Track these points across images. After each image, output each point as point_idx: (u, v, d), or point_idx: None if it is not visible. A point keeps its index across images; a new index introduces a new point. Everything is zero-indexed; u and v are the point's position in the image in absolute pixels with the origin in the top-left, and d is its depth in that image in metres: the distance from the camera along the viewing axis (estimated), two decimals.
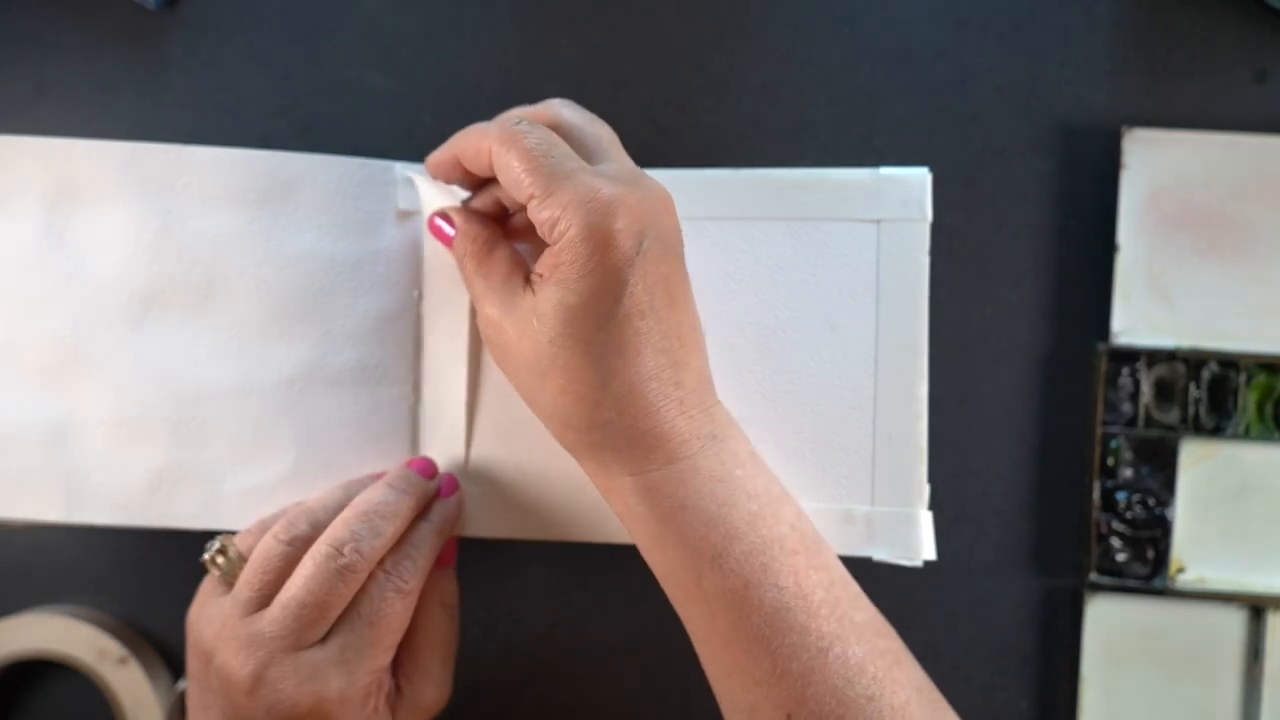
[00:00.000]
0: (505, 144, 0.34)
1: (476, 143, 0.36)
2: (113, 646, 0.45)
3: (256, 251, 0.40)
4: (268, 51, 0.47)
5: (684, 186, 0.40)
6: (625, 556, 0.47)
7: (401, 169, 0.41)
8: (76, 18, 0.47)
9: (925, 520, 0.39)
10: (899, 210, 0.39)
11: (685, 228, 0.40)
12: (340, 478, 0.40)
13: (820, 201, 0.40)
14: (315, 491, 0.40)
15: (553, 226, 0.33)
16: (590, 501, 0.40)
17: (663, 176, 0.40)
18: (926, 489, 0.40)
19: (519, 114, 0.37)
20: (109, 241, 0.40)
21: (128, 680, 0.45)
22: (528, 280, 0.35)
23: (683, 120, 0.46)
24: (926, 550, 0.39)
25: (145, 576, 0.47)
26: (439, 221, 0.39)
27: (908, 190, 0.39)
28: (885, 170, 0.40)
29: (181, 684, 0.46)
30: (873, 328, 0.39)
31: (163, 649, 0.47)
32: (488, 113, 0.46)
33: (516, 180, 0.34)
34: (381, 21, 0.47)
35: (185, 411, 0.40)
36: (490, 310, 0.36)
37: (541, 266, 0.34)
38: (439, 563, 0.40)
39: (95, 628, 0.46)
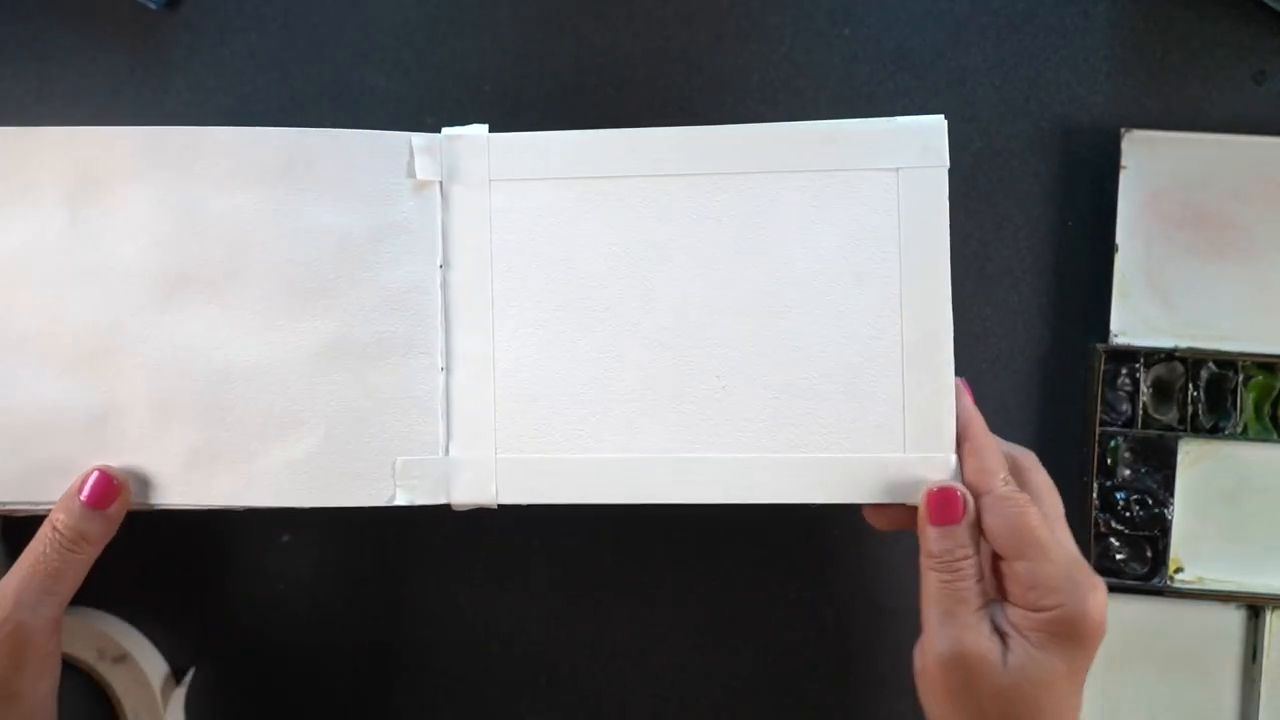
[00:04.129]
0: (1018, 505, 0.36)
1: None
2: (113, 645, 0.45)
3: (276, 228, 0.40)
4: (268, 52, 0.47)
5: (703, 143, 0.40)
6: (625, 556, 0.47)
7: (418, 139, 0.41)
8: (78, 19, 0.47)
9: (953, 464, 0.39)
10: (918, 158, 0.39)
11: (706, 184, 0.40)
12: (373, 451, 0.40)
13: (839, 152, 0.40)
14: (348, 467, 0.40)
15: (1049, 592, 0.35)
16: (619, 461, 0.40)
17: (678, 134, 0.40)
18: (954, 434, 0.39)
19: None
20: (132, 226, 0.40)
21: (128, 679, 0.45)
22: (994, 628, 0.36)
23: (682, 120, 0.46)
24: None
25: (145, 576, 0.47)
26: (951, 494, 0.38)
27: (925, 137, 0.39)
28: (902, 119, 0.40)
29: (184, 684, 0.46)
30: (897, 276, 0.39)
31: (163, 648, 0.47)
32: (487, 113, 0.47)
33: (1021, 534, 0.36)
34: (381, 21, 0.47)
35: (216, 391, 0.40)
36: (951, 638, 0.36)
37: (1024, 624, 0.35)
38: (88, 502, 0.39)
39: (95, 627, 0.46)
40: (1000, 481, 0.37)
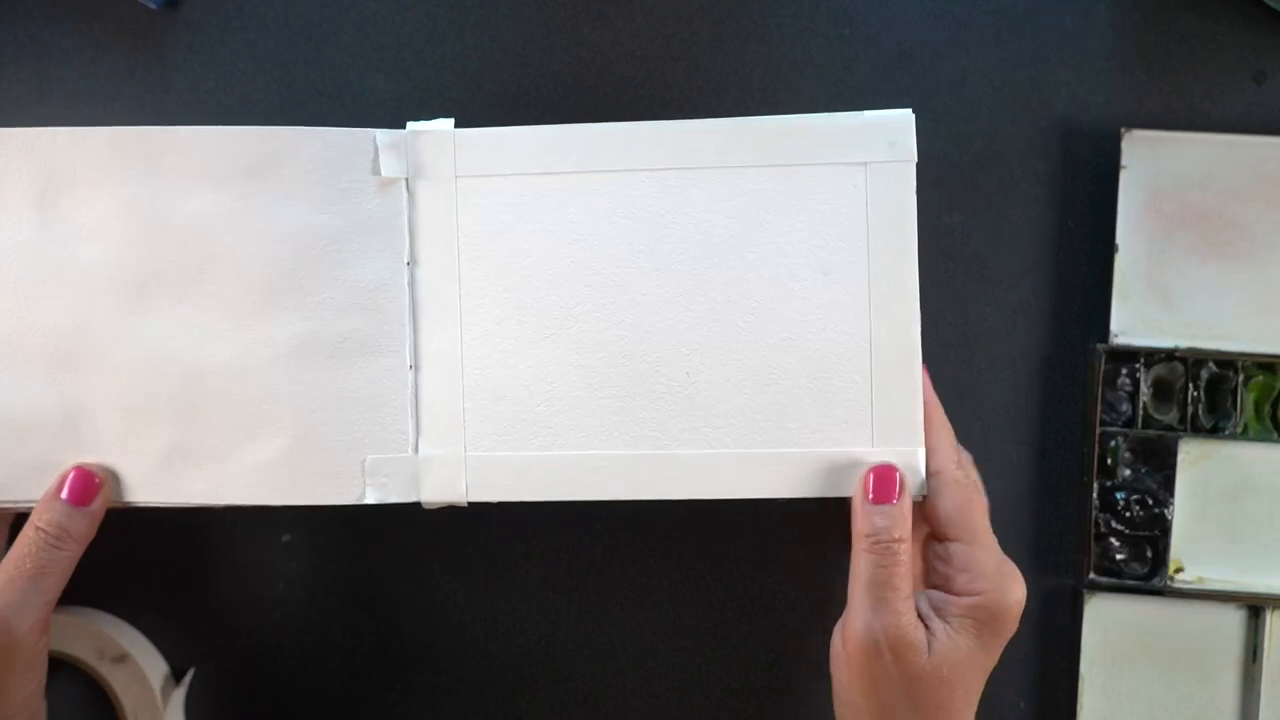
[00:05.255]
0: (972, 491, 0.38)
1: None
2: (113, 646, 0.45)
3: (243, 228, 0.40)
4: (268, 51, 0.47)
5: (671, 138, 0.40)
6: (625, 556, 0.47)
7: (383, 136, 0.41)
8: (78, 18, 0.47)
9: (922, 458, 0.39)
10: (885, 152, 0.39)
11: (672, 178, 0.40)
12: (342, 449, 0.40)
13: (806, 146, 0.40)
14: (318, 466, 0.40)
15: (977, 579, 0.37)
16: (589, 458, 0.40)
17: (647, 128, 0.40)
18: (922, 427, 0.39)
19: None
20: (100, 227, 0.40)
21: (128, 679, 0.45)
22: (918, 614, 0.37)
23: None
24: (919, 489, 0.39)
25: (145, 576, 0.47)
26: (889, 471, 0.38)
27: (893, 132, 0.39)
28: (869, 113, 0.40)
29: (184, 684, 0.46)
30: (864, 271, 0.40)
31: (163, 648, 0.47)
32: (488, 113, 0.47)
33: (960, 517, 0.37)
34: (381, 21, 0.47)
35: (187, 391, 0.40)
36: (881, 624, 0.36)
37: (947, 608, 0.37)
38: (69, 499, 0.39)
39: (95, 627, 0.46)
40: (953, 464, 0.38)
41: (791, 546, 0.47)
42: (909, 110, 0.39)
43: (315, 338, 0.40)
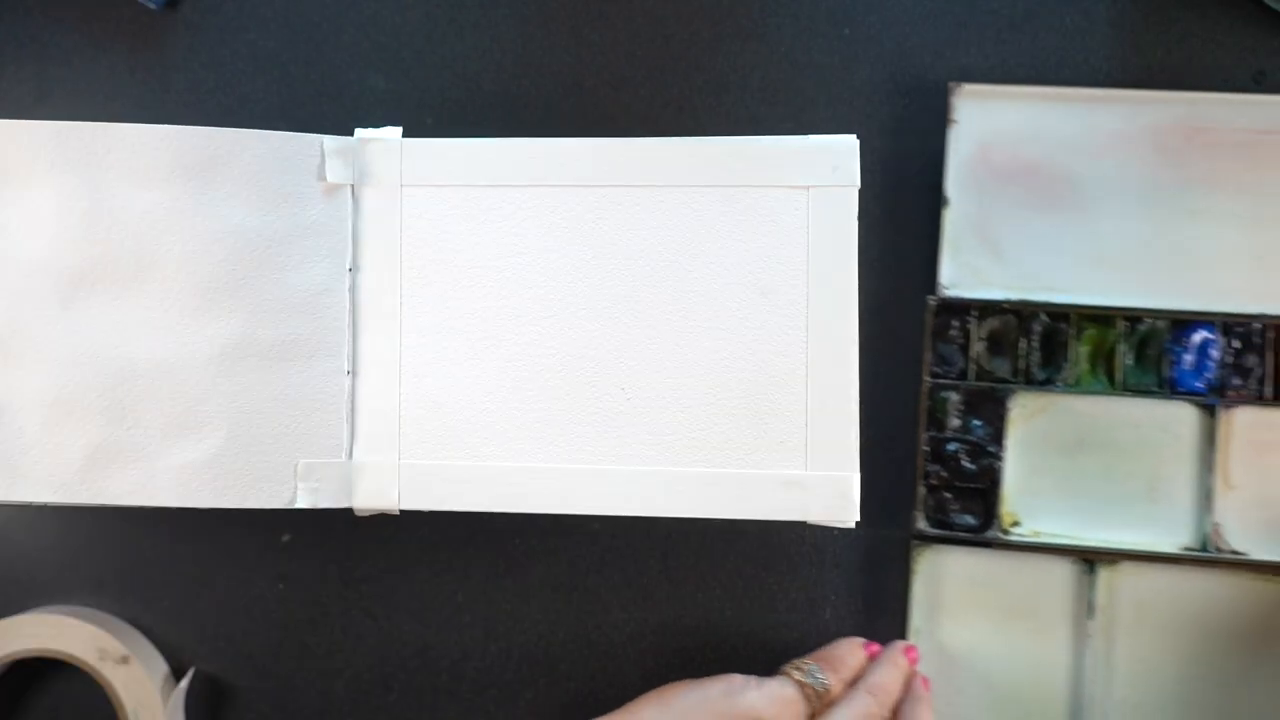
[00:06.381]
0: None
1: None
2: (113, 646, 0.45)
3: (184, 227, 0.40)
4: (268, 51, 0.47)
5: (617, 155, 0.40)
6: (625, 556, 0.47)
7: (330, 141, 0.41)
8: (78, 19, 0.47)
9: (855, 483, 0.39)
10: (828, 176, 0.40)
11: (616, 195, 0.40)
12: (275, 452, 0.40)
13: (751, 168, 0.40)
14: (250, 468, 0.40)
15: None
16: (523, 470, 0.40)
17: (593, 145, 0.40)
18: (856, 451, 0.39)
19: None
20: (39, 221, 0.40)
21: (129, 680, 0.45)
22: None
23: (682, 120, 0.46)
24: (853, 512, 0.39)
25: (145, 576, 0.47)
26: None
27: (837, 157, 0.39)
28: (814, 137, 0.40)
29: (184, 684, 0.46)
30: (803, 294, 0.40)
31: (163, 648, 0.47)
32: (488, 113, 0.47)
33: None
34: (381, 21, 0.47)
35: (117, 389, 0.40)
36: None
37: None
38: None
39: (95, 627, 0.46)
40: None
41: (791, 547, 0.47)
42: (853, 136, 0.39)
43: (253, 339, 0.40)
